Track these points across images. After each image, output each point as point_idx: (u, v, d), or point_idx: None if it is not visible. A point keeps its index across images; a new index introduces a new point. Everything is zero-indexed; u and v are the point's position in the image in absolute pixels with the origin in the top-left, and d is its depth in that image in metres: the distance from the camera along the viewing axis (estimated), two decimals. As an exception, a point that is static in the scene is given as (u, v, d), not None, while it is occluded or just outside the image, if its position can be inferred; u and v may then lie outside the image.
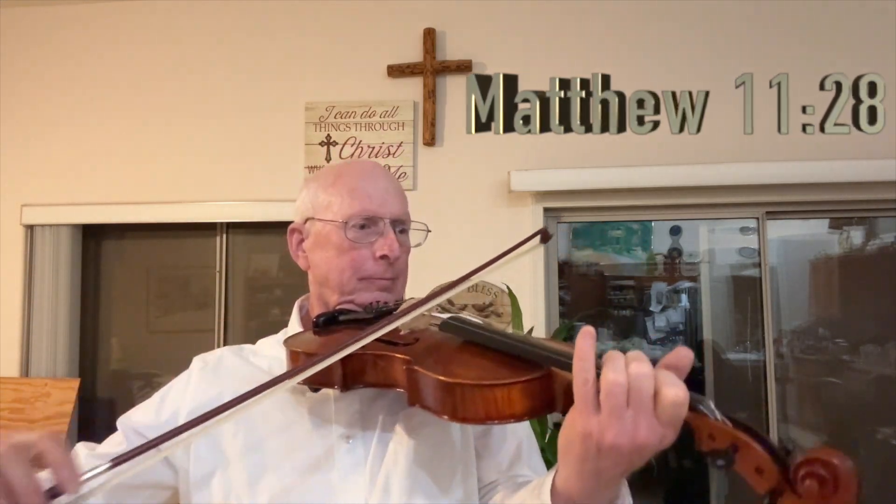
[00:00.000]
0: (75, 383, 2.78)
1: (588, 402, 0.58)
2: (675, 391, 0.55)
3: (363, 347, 0.77)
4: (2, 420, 2.70)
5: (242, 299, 3.09)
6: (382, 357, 0.75)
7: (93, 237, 3.14)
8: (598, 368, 0.59)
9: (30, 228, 3.00)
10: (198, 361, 0.94)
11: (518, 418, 0.66)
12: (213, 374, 0.91)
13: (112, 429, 0.89)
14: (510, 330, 2.57)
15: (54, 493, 0.55)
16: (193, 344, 3.04)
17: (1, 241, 3.00)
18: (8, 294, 2.96)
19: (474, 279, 0.77)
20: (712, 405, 0.57)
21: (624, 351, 0.59)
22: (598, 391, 0.58)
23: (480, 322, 0.80)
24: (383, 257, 0.88)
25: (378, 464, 0.81)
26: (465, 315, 0.84)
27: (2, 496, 0.53)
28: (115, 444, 0.87)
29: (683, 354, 0.60)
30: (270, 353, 0.95)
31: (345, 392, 0.79)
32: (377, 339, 0.79)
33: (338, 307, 0.91)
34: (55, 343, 2.92)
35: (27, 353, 2.94)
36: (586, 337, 0.59)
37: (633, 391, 0.56)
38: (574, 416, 0.61)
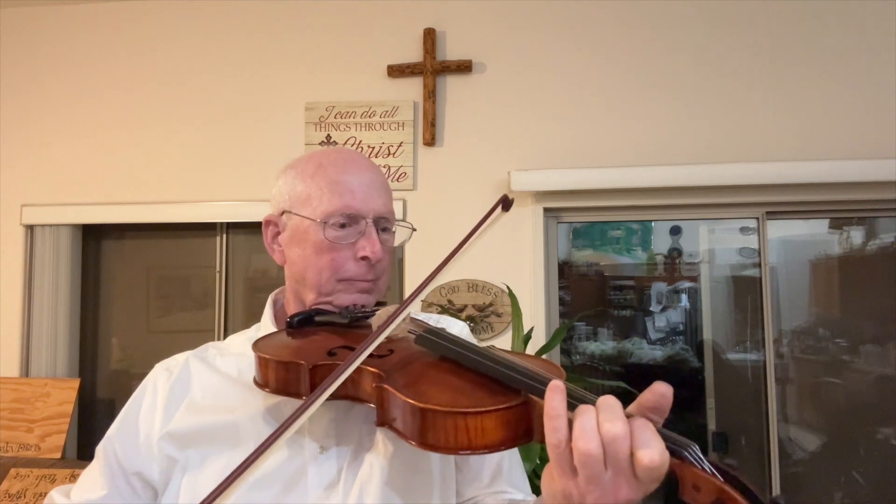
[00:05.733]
0: (75, 383, 2.78)
1: (564, 465, 0.54)
2: (650, 455, 0.50)
3: (336, 356, 0.73)
4: (2, 420, 2.70)
5: (242, 299, 3.09)
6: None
7: (93, 237, 3.14)
8: (572, 421, 0.54)
9: (30, 228, 3.00)
10: (162, 373, 0.87)
11: (491, 449, 0.60)
12: (180, 387, 0.85)
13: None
14: (509, 330, 2.56)
15: None
16: (193, 344, 3.02)
17: (1, 241, 3.00)
18: (8, 294, 2.97)
19: (452, 262, 0.73)
20: (699, 452, 0.53)
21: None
22: (572, 453, 0.53)
23: (459, 337, 0.74)
24: (364, 259, 0.84)
25: (352, 477, 0.77)
26: (444, 329, 0.79)
27: None
28: (92, 480, 0.82)
29: (662, 392, 0.54)
30: (237, 351, 0.91)
31: None
32: (349, 349, 0.75)
33: (314, 307, 0.87)
34: (55, 343, 2.92)
35: (27, 353, 2.94)
36: (556, 392, 0.54)
37: (609, 456, 0.51)
38: (554, 470, 0.56)
